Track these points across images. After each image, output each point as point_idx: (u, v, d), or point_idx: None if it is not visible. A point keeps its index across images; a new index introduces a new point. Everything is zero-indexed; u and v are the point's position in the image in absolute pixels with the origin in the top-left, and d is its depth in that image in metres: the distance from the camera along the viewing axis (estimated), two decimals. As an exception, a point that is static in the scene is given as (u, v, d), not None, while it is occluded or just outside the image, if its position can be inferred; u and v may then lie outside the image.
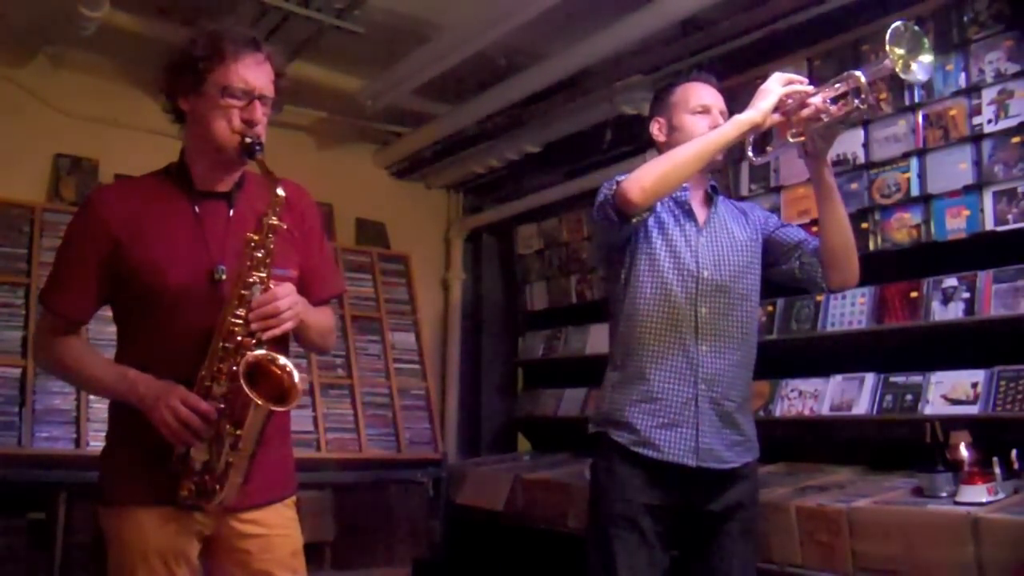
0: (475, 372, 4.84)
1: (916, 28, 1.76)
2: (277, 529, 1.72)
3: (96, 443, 3.22)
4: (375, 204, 4.65)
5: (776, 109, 1.88)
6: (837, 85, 1.83)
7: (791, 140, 1.93)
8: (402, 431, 4.04)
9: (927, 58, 1.76)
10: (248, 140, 1.61)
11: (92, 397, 3.29)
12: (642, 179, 1.85)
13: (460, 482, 3.90)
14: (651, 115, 2.20)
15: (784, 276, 2.15)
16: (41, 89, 3.72)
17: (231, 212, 1.69)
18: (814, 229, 2.87)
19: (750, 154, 2.10)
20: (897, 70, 1.73)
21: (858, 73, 1.79)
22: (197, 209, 1.67)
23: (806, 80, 1.92)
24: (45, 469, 3.12)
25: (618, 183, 1.91)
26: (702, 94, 2.12)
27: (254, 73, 1.63)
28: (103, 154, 3.82)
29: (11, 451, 3.11)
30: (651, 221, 2.04)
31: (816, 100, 1.86)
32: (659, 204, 2.02)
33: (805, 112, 1.88)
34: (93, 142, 3.80)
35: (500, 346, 4.83)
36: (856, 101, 1.80)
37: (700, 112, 2.10)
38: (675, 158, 1.89)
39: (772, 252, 2.14)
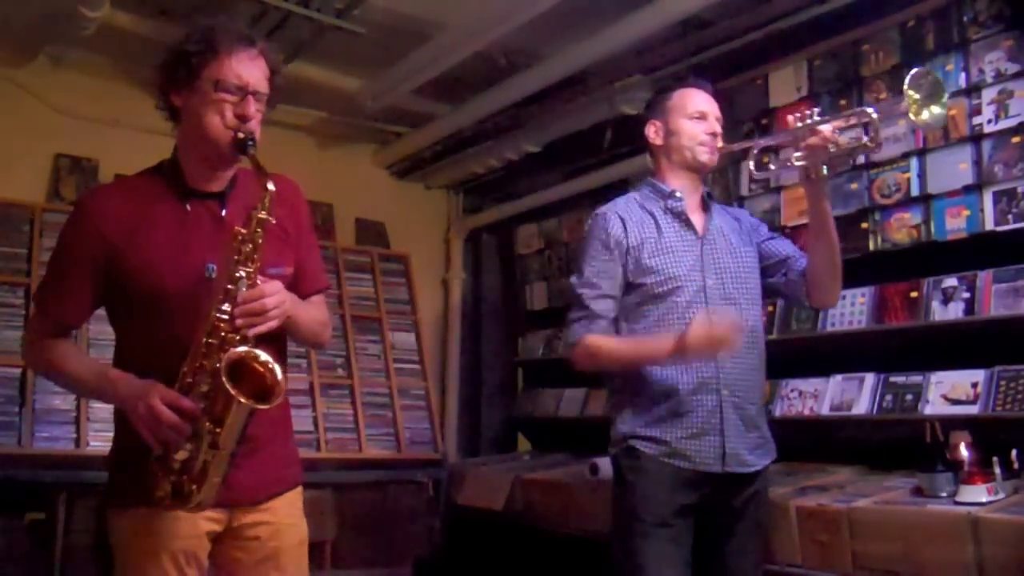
0: (475, 372, 4.84)
1: (939, 77, 1.78)
2: (284, 518, 1.73)
3: (96, 443, 3.24)
4: (375, 204, 4.65)
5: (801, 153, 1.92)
6: (849, 117, 1.85)
7: (795, 163, 1.96)
8: (402, 431, 4.04)
9: (939, 109, 1.78)
10: (241, 135, 1.59)
11: (92, 397, 3.30)
12: (585, 368, 2.15)
13: (460, 482, 3.90)
14: (647, 118, 2.22)
15: (769, 287, 2.20)
16: (41, 89, 3.72)
17: (224, 212, 1.68)
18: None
19: (751, 166, 2.15)
20: (911, 114, 1.75)
21: (870, 109, 1.81)
22: (189, 208, 1.66)
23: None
24: (45, 469, 3.12)
25: (572, 351, 2.12)
26: (698, 100, 2.14)
27: (248, 68, 1.61)
28: (103, 154, 3.82)
29: (11, 451, 3.12)
30: (648, 243, 2.07)
31: (826, 128, 1.87)
32: (658, 216, 2.11)
33: (813, 140, 1.90)
34: (93, 142, 3.80)
35: (500, 346, 4.83)
36: (865, 138, 1.82)
37: (697, 118, 2.12)
38: (605, 363, 2.12)
39: (760, 261, 2.18)
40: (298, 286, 1.77)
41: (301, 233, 1.80)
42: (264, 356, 1.57)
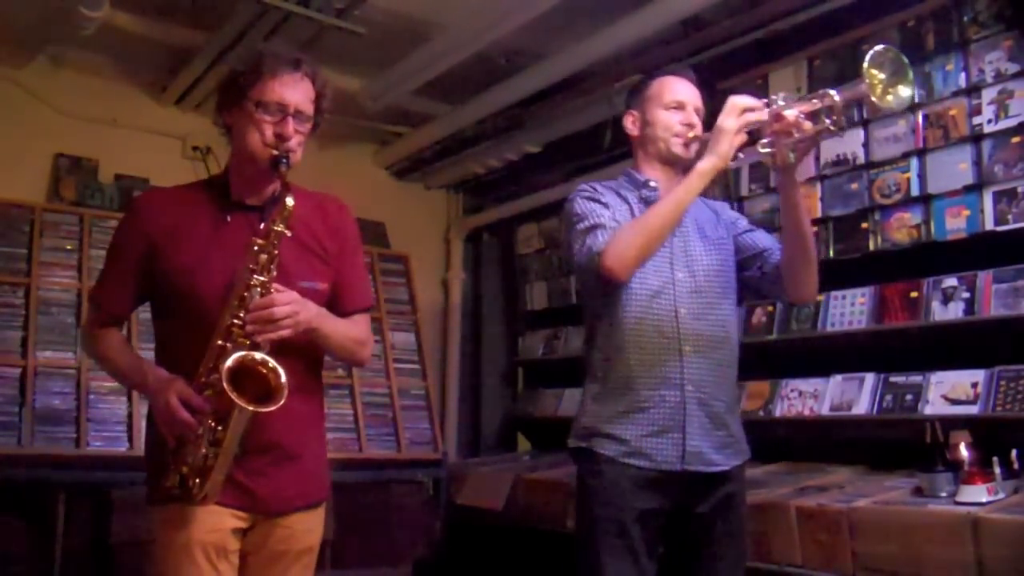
0: (475, 372, 4.84)
1: (903, 57, 1.71)
2: (300, 523, 1.78)
3: (96, 443, 3.25)
4: (375, 204, 4.63)
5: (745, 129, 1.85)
6: (813, 101, 1.78)
7: (761, 151, 1.89)
8: (402, 431, 4.04)
9: (906, 90, 1.71)
10: (275, 153, 1.68)
11: (92, 397, 3.31)
12: (624, 257, 1.87)
13: (460, 482, 3.90)
14: (626, 108, 2.15)
15: (746, 282, 2.12)
16: (41, 89, 3.72)
17: (262, 224, 1.73)
18: (816, 229, 2.88)
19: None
20: (873, 97, 1.68)
21: (832, 92, 1.74)
22: (229, 219, 1.74)
23: (762, 104, 1.86)
24: (45, 469, 3.13)
25: (600, 255, 1.88)
26: (677, 89, 2.07)
27: (291, 90, 1.71)
28: (103, 154, 3.82)
29: (11, 451, 3.11)
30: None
31: (790, 114, 1.81)
32: (632, 204, 2.03)
33: (778, 125, 1.83)
34: (93, 142, 3.80)
35: (500, 346, 4.83)
36: (828, 121, 1.75)
37: (674, 108, 2.05)
38: (651, 226, 1.89)
39: (737, 255, 2.11)
40: (338, 303, 1.84)
41: (344, 252, 1.86)
42: (261, 356, 1.61)
